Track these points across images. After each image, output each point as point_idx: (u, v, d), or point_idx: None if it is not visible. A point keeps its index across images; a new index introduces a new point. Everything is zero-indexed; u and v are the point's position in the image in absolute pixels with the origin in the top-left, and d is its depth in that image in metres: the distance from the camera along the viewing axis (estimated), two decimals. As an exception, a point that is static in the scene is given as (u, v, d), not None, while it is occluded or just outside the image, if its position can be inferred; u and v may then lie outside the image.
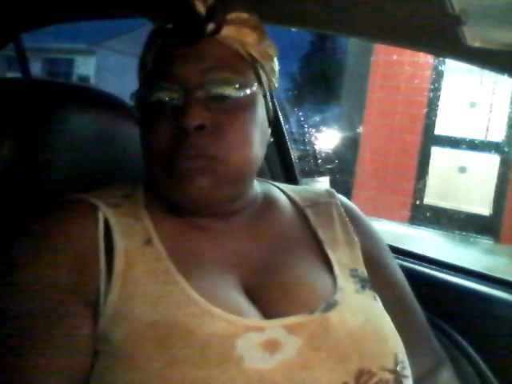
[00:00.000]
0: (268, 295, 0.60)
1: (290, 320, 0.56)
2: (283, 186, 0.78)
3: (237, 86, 0.60)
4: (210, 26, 0.60)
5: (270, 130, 0.68)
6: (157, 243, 0.60)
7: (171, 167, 0.59)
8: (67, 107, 0.84)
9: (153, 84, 0.60)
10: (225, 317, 0.54)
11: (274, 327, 0.55)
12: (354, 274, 0.65)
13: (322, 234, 0.69)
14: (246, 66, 0.62)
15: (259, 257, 0.64)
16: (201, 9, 0.60)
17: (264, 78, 0.65)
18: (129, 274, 0.56)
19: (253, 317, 0.57)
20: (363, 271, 0.67)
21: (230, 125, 0.59)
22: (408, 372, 0.59)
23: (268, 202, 0.71)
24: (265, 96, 0.65)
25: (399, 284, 0.73)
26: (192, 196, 0.59)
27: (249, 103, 0.61)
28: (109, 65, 13.87)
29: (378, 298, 0.65)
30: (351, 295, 0.62)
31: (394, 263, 0.75)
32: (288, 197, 0.75)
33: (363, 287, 0.64)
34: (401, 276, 0.74)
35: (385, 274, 0.71)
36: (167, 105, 0.59)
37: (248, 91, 0.61)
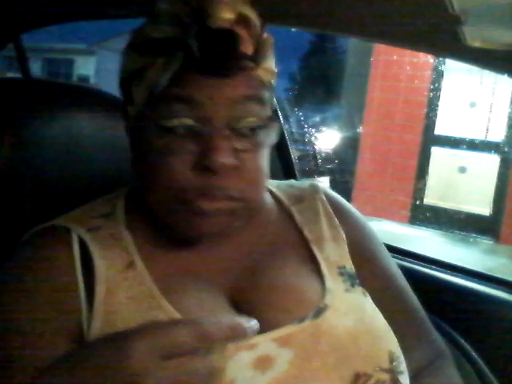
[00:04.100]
0: (256, 306, 0.59)
1: (281, 332, 0.55)
2: (268, 182, 0.76)
3: (262, 119, 0.57)
4: (251, 64, 0.56)
5: None
6: (139, 266, 0.58)
7: (188, 205, 0.55)
8: (67, 107, 0.84)
9: (171, 108, 0.54)
10: None
11: (266, 342, 0.54)
12: (342, 271, 0.64)
13: (308, 233, 0.67)
14: (267, 93, 0.59)
15: (245, 264, 0.63)
16: (249, 47, 0.55)
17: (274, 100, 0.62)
18: (111, 302, 0.54)
19: None
20: (351, 267, 0.65)
21: (252, 163, 0.57)
22: (403, 367, 0.58)
23: None
24: None
25: (390, 275, 0.71)
26: (205, 232, 0.58)
27: (267, 136, 0.58)
28: (109, 65, 13.86)
29: (367, 294, 0.63)
30: (341, 296, 0.61)
31: (386, 255, 0.73)
32: (273, 195, 0.73)
33: (352, 285, 0.63)
34: (393, 267, 0.72)
35: (374, 265, 0.70)
36: (187, 135, 0.54)
37: (270, 124, 0.58)
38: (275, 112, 0.62)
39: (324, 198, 0.72)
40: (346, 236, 0.68)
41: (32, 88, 0.90)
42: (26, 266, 0.58)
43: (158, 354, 0.39)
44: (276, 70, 0.61)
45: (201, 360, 0.40)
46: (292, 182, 0.79)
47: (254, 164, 0.57)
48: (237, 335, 0.42)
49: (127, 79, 0.58)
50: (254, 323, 0.44)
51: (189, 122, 0.54)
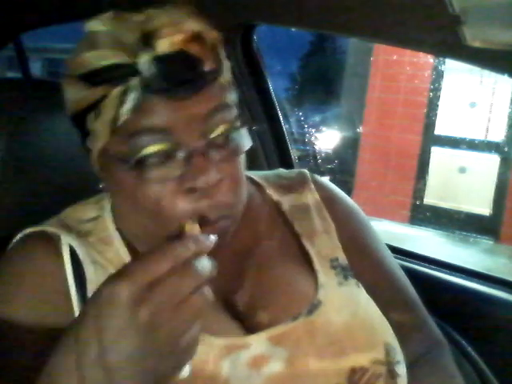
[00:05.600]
0: (249, 306, 0.58)
1: (275, 331, 0.55)
2: (255, 174, 0.74)
3: (232, 122, 0.54)
4: (212, 77, 0.53)
5: None
6: None
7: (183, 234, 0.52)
8: (67, 107, 0.84)
9: (140, 139, 0.50)
10: (207, 340, 0.52)
11: (260, 341, 0.54)
12: (334, 264, 0.63)
13: (298, 227, 0.66)
14: (231, 94, 0.57)
15: (237, 264, 0.62)
16: (206, 62, 0.52)
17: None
18: None
19: (236, 333, 0.55)
20: (344, 258, 0.65)
21: (232, 170, 0.55)
22: (400, 357, 0.58)
23: None
24: None
25: (384, 263, 0.70)
26: None
27: (242, 138, 0.56)
28: (109, 65, 13.80)
29: (360, 285, 0.63)
30: (334, 290, 0.60)
31: (379, 242, 0.72)
32: (262, 188, 0.71)
33: (345, 277, 0.62)
34: (387, 255, 0.71)
35: (367, 254, 0.69)
36: (161, 161, 0.51)
37: (241, 124, 0.56)
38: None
39: (313, 186, 0.71)
40: (336, 224, 0.67)
41: (32, 88, 0.90)
42: (16, 276, 0.57)
43: (141, 290, 0.37)
44: (228, 63, 0.58)
45: (185, 278, 0.40)
46: (280, 171, 0.77)
47: (234, 170, 0.55)
48: (202, 247, 0.42)
49: (80, 113, 0.54)
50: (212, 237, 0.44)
51: (161, 149, 0.51)
